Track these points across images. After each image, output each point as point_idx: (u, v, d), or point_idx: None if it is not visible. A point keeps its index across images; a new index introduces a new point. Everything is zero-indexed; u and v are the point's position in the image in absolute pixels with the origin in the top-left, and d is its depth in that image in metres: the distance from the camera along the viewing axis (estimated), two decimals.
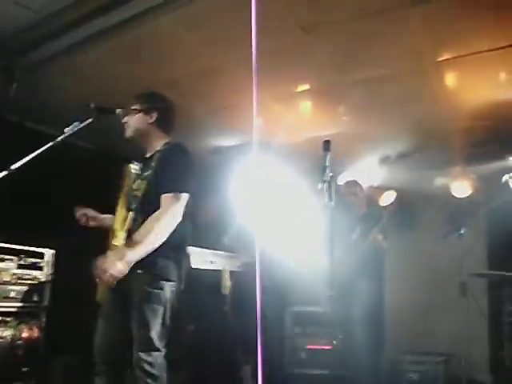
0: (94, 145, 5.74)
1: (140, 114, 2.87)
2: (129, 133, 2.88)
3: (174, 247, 2.68)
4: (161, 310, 2.60)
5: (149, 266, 2.57)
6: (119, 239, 2.60)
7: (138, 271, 2.55)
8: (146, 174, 2.74)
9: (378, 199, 6.01)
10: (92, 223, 3.02)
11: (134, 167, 2.87)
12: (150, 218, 2.56)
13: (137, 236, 2.54)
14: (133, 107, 2.89)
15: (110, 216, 2.99)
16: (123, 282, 2.53)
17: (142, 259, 2.53)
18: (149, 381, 2.51)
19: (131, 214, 2.65)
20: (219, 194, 6.02)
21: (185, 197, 2.65)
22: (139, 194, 2.68)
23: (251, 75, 4.13)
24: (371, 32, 3.57)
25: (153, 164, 2.73)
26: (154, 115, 2.89)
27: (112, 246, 2.62)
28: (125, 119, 2.88)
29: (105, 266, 2.42)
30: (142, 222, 2.59)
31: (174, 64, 4.11)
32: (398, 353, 5.35)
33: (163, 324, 2.62)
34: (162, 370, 2.59)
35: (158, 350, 2.59)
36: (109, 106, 2.76)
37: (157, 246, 2.53)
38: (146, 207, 2.62)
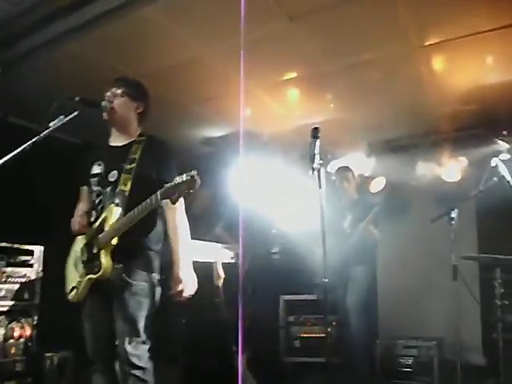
0: (79, 139, 5.69)
1: (127, 99, 2.80)
2: (115, 117, 2.76)
3: (158, 239, 2.71)
4: (146, 302, 2.59)
5: (130, 259, 2.57)
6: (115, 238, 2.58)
7: (118, 266, 2.54)
8: (128, 167, 2.66)
9: (368, 186, 6.02)
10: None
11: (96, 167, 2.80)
12: (176, 221, 2.68)
13: (180, 244, 2.66)
14: (119, 90, 2.79)
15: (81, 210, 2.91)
16: (103, 279, 2.53)
17: (123, 253, 2.53)
18: (137, 373, 2.51)
19: (118, 209, 2.59)
20: (210, 185, 5.99)
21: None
22: (126, 189, 2.61)
23: (237, 65, 4.14)
24: (356, 18, 3.55)
25: (134, 156, 2.67)
26: (142, 105, 2.85)
27: (108, 245, 2.57)
28: (109, 98, 2.76)
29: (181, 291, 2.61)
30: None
31: (158, 55, 4.06)
32: (391, 338, 5.38)
33: (148, 316, 2.61)
34: (148, 361, 2.58)
35: (144, 342, 2.59)
36: (93, 98, 2.71)
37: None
38: (133, 202, 2.56)
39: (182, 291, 2.62)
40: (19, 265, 4.32)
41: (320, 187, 2.83)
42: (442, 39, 3.81)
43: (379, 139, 5.94)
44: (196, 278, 2.69)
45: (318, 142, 2.82)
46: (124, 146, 2.77)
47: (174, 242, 2.67)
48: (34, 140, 2.45)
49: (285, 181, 6.61)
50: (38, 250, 4.42)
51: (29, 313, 4.32)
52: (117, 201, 2.61)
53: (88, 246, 2.66)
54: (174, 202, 2.46)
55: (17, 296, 4.24)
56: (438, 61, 4.19)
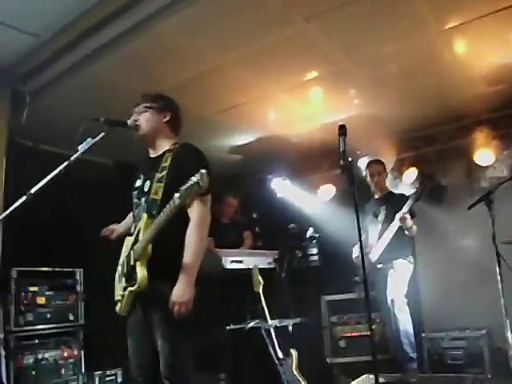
0: (110, 159, 5.80)
1: (153, 112, 2.82)
2: (142, 131, 2.78)
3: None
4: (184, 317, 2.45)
5: (168, 272, 2.48)
6: (149, 249, 2.53)
7: (159, 281, 2.49)
8: (159, 175, 2.64)
9: (400, 178, 5.93)
10: (113, 236, 3.04)
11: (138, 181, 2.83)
12: (187, 233, 2.52)
13: (185, 258, 2.48)
14: (143, 105, 2.82)
15: (124, 223, 3.01)
16: (142, 292, 2.49)
17: (161, 265, 2.48)
18: None
19: (151, 220, 2.54)
20: (241, 193, 6.02)
21: (209, 198, 2.61)
22: (157, 197, 2.59)
23: (257, 71, 4.16)
24: (373, 11, 3.52)
25: (165, 164, 2.65)
26: (168, 115, 2.85)
27: (144, 256, 2.53)
28: (135, 117, 2.80)
29: (175, 301, 2.41)
30: (166, 228, 2.49)
31: (178, 70, 4.11)
32: (437, 330, 5.27)
33: (188, 331, 2.54)
34: (191, 376, 2.54)
35: (187, 357, 2.53)
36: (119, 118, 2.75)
37: (203, 255, 2.54)
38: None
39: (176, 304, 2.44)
40: (62, 287, 4.42)
41: (351, 184, 2.81)
42: (461, 21, 3.73)
43: (408, 130, 5.86)
44: (191, 295, 2.45)
45: (345, 140, 2.80)
46: (158, 156, 2.78)
47: (187, 248, 2.51)
48: (65, 165, 2.50)
49: (315, 181, 6.61)
50: (79, 272, 4.51)
51: (75, 333, 4.40)
52: (149, 210, 2.60)
53: (127, 258, 2.64)
54: (188, 205, 2.44)
55: (62, 318, 4.33)
56: (459, 44, 4.10)
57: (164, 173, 2.63)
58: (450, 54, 4.21)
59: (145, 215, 2.59)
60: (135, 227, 2.68)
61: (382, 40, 3.92)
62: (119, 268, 2.74)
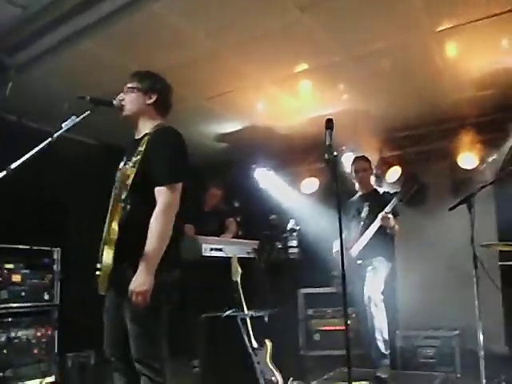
0: (96, 139, 5.73)
1: (139, 93, 2.74)
2: (126, 112, 2.73)
3: None
4: (155, 301, 2.43)
5: (135, 257, 2.43)
6: (114, 232, 2.48)
7: (125, 264, 2.46)
8: (134, 159, 2.58)
9: (384, 176, 5.97)
10: None
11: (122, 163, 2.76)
12: (152, 218, 2.45)
13: (147, 244, 2.42)
14: (130, 85, 2.76)
15: None
16: (118, 273, 2.47)
17: (131, 251, 2.43)
18: (149, 374, 2.45)
19: (121, 204, 2.52)
20: (224, 182, 5.99)
21: (179, 186, 2.56)
22: (129, 182, 2.53)
23: (248, 59, 4.12)
24: (367, 7, 3.51)
25: (141, 148, 2.59)
26: (154, 96, 2.77)
27: (109, 240, 2.49)
28: (121, 96, 2.74)
29: (133, 289, 2.36)
30: (134, 212, 2.49)
31: (169, 52, 4.06)
32: (411, 329, 5.34)
33: (158, 315, 2.53)
34: (162, 361, 2.52)
35: (157, 341, 2.53)
36: (104, 97, 2.71)
37: (167, 242, 2.46)
38: (136, 196, 2.52)
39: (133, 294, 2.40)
40: (38, 266, 4.37)
41: (335, 179, 2.81)
42: (454, 24, 3.74)
43: (394, 128, 5.88)
44: (149, 285, 2.39)
45: (331, 134, 2.79)
46: (139, 139, 2.72)
47: (150, 233, 2.45)
48: (47, 141, 2.46)
49: (299, 173, 6.62)
50: (56, 251, 4.46)
51: (49, 313, 4.36)
52: (119, 194, 2.55)
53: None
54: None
55: (37, 297, 4.28)
56: (451, 46, 4.13)
57: (139, 157, 2.56)
58: (441, 56, 4.24)
59: (116, 202, 2.56)
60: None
61: (375, 36, 3.91)
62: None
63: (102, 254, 2.51)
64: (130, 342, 2.50)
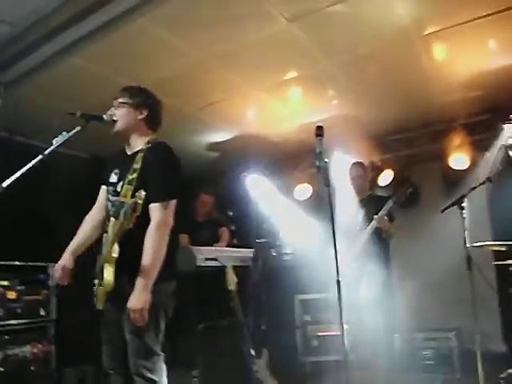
0: (87, 153, 5.73)
1: (130, 109, 2.76)
2: (118, 127, 2.73)
3: None
4: (153, 313, 2.47)
5: (134, 271, 2.45)
6: (115, 250, 2.49)
7: (124, 278, 2.48)
8: (130, 177, 2.59)
9: (376, 180, 5.99)
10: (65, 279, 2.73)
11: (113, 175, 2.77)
12: (146, 236, 2.49)
13: (143, 261, 2.44)
14: (121, 100, 2.77)
15: (81, 237, 2.82)
16: (117, 288, 2.48)
17: (130, 267, 2.45)
18: None
19: (120, 222, 2.46)
20: (217, 191, 5.99)
21: (173, 203, 2.59)
22: (126, 200, 2.51)
23: (236, 69, 4.14)
24: (353, 13, 3.53)
25: (136, 166, 2.61)
26: (145, 111, 2.79)
27: (110, 257, 2.49)
28: (111, 111, 2.75)
29: (130, 308, 2.39)
30: (133, 229, 2.45)
31: (158, 65, 4.08)
32: (409, 331, 5.34)
33: (157, 327, 2.55)
34: (161, 374, 2.54)
35: (156, 354, 2.54)
36: (96, 113, 2.71)
37: (162, 258, 2.49)
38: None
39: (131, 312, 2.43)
40: (33, 282, 4.34)
41: (327, 185, 2.82)
42: (440, 27, 3.78)
43: (385, 132, 5.91)
44: (146, 302, 2.41)
45: (322, 141, 2.81)
46: (131, 155, 2.73)
47: (144, 255, 2.48)
48: (39, 158, 2.46)
49: (292, 180, 6.63)
50: (51, 266, 4.44)
51: (46, 329, 4.34)
52: (118, 213, 2.51)
53: (101, 257, 2.63)
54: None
55: (33, 313, 4.26)
56: (438, 49, 4.16)
57: (135, 175, 2.58)
58: (429, 59, 4.26)
59: (112, 219, 2.57)
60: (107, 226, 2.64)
61: (360, 42, 3.94)
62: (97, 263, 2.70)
63: (102, 271, 2.52)
64: (128, 355, 2.52)
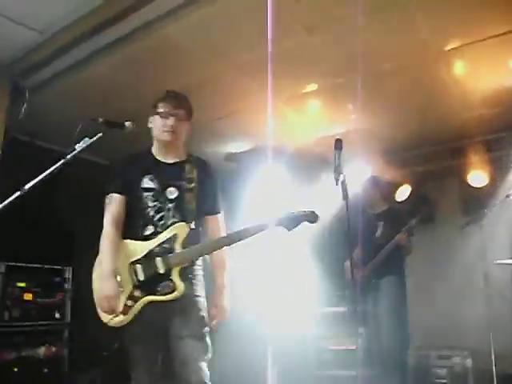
0: (107, 159, 5.79)
1: (188, 122, 2.78)
2: (177, 140, 2.73)
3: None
4: (207, 317, 2.59)
5: (194, 276, 2.63)
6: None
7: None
8: (189, 186, 2.65)
9: (393, 195, 5.95)
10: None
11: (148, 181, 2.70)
12: (221, 253, 2.68)
13: (225, 276, 2.69)
14: (181, 111, 2.73)
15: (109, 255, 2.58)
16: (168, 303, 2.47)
17: (187, 270, 2.57)
18: None
19: (188, 225, 2.58)
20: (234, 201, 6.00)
21: (222, 215, 2.80)
22: (192, 207, 2.63)
23: (256, 79, 4.16)
24: (375, 27, 3.55)
25: (191, 176, 2.68)
26: (191, 126, 2.83)
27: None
28: (171, 121, 2.68)
29: (214, 316, 2.60)
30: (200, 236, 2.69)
31: (179, 74, 4.11)
32: (424, 348, 5.27)
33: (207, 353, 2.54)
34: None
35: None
36: (117, 119, 2.74)
37: None
38: (201, 219, 2.72)
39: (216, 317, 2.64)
40: (50, 285, 4.38)
41: (345, 198, 2.82)
42: (462, 43, 3.78)
43: (403, 147, 5.89)
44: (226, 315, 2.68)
45: (340, 154, 2.81)
46: (175, 163, 2.73)
47: (220, 267, 2.71)
48: (60, 163, 2.48)
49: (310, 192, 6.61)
50: (68, 270, 4.49)
51: (60, 332, 4.37)
52: (185, 219, 2.60)
53: (149, 263, 2.51)
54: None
55: (48, 316, 4.29)
56: (459, 65, 4.14)
57: (193, 184, 2.66)
58: (449, 74, 4.25)
59: (183, 224, 2.57)
60: (155, 231, 2.58)
61: (381, 56, 3.95)
62: (119, 276, 2.51)
63: (149, 282, 2.51)
64: (179, 363, 2.44)
